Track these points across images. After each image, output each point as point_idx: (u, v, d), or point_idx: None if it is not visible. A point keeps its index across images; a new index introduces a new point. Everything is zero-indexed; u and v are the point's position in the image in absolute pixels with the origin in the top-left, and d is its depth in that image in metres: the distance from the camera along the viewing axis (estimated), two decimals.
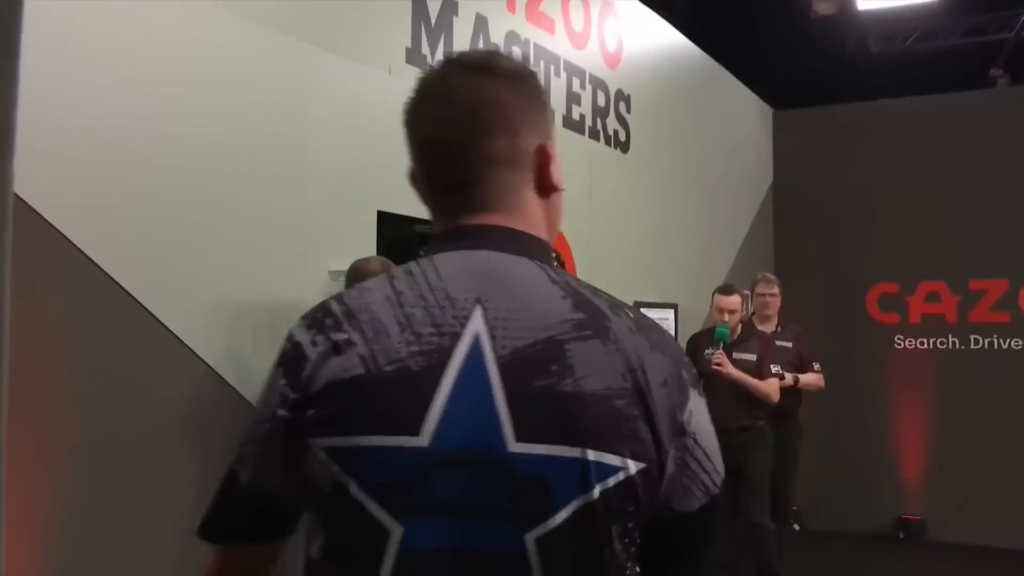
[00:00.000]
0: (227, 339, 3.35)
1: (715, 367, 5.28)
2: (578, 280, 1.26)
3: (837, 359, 7.27)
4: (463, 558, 1.12)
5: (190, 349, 3.22)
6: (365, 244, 3.96)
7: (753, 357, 5.49)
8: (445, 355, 1.15)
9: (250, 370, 3.39)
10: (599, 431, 1.13)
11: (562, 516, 1.12)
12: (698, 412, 1.22)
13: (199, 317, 3.26)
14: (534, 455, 1.12)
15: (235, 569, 1.29)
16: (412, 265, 1.25)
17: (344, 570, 1.16)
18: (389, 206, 4.10)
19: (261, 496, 1.25)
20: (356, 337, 1.18)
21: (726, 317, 5.42)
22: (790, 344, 6.10)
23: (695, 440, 1.20)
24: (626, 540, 1.17)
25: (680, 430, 1.19)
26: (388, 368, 1.15)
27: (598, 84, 5.95)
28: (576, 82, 5.71)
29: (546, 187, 1.29)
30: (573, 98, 5.67)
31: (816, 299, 8.39)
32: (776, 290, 6.12)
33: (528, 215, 1.28)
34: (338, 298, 1.26)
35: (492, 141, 1.24)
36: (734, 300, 5.48)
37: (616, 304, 1.24)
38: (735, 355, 5.45)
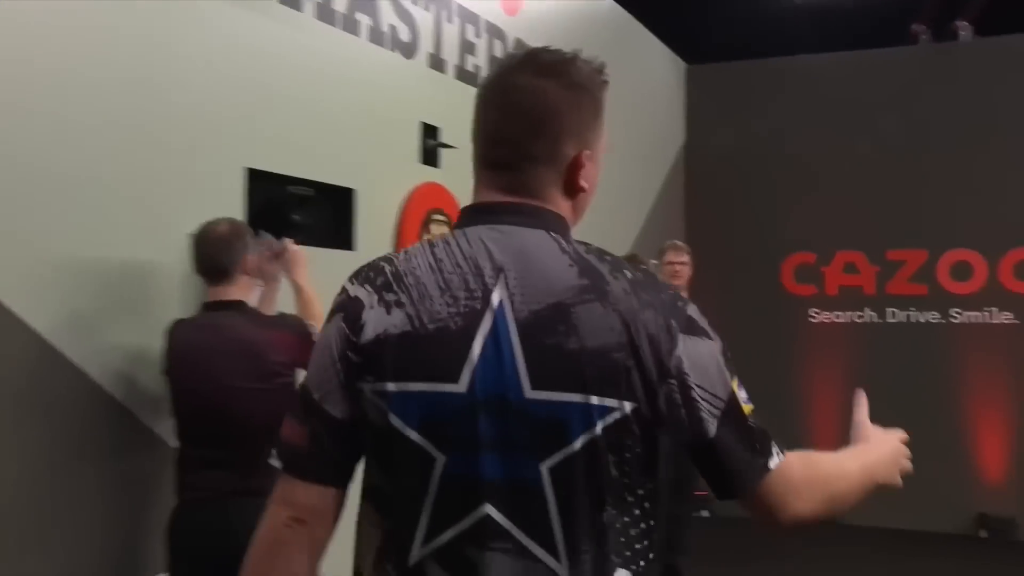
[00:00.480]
0: (64, 306, 3.19)
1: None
2: (588, 246, 1.63)
3: (749, 333, 7.37)
4: (493, 484, 1.51)
5: (18, 317, 3.05)
6: (230, 205, 3.83)
7: None
8: (477, 317, 1.54)
9: (92, 342, 3.26)
10: (599, 380, 1.51)
11: (571, 449, 1.51)
12: (690, 353, 1.56)
13: (29, 280, 3.08)
14: (546, 400, 1.51)
15: (325, 509, 1.62)
16: (449, 235, 1.64)
17: (402, 489, 1.56)
18: (260, 163, 4.01)
19: (351, 432, 1.60)
20: (404, 298, 1.57)
21: None
22: None
23: (686, 380, 1.55)
24: (626, 467, 1.54)
25: (667, 374, 1.54)
26: (431, 326, 1.55)
27: (495, 33, 5.89)
28: (471, 30, 5.64)
29: (573, 188, 1.66)
30: (467, 47, 5.60)
31: (728, 269, 8.52)
32: (686, 259, 6.14)
33: (551, 203, 1.64)
34: (387, 260, 1.65)
35: (536, 141, 1.61)
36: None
37: (617, 266, 1.61)
38: None
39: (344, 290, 1.65)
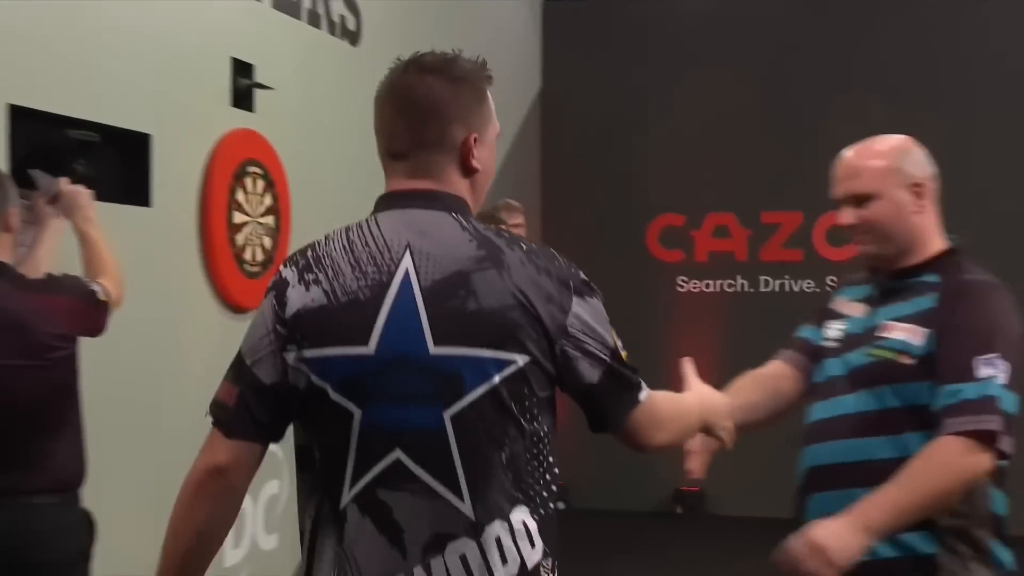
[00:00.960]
0: None
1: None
2: (487, 226, 2.02)
3: (611, 303, 7.18)
4: (403, 432, 1.90)
5: None
6: None
7: None
8: (385, 287, 1.93)
9: None
10: (496, 336, 1.89)
11: (471, 397, 1.89)
12: (583, 312, 1.97)
13: None
14: (448, 355, 1.89)
15: (242, 462, 1.99)
16: (362, 221, 2.03)
17: (326, 445, 1.96)
18: (27, 98, 3.76)
19: (276, 396, 1.97)
20: (321, 276, 1.96)
21: None
22: None
23: (581, 332, 1.95)
24: (527, 415, 1.92)
25: (564, 331, 1.94)
26: (344, 299, 1.94)
27: None
28: None
29: (468, 169, 2.05)
30: None
31: (588, 232, 8.49)
32: (521, 220, 6.01)
33: (450, 185, 2.03)
34: (312, 245, 2.05)
35: (426, 129, 2.01)
36: None
37: (513, 240, 2.01)
38: None
39: (278, 271, 2.05)
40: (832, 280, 8.06)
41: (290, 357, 1.95)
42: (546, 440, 1.98)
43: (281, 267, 2.05)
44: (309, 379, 1.94)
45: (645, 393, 2.06)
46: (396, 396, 1.91)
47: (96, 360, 3.36)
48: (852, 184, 2.75)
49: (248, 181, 4.97)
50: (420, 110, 2.00)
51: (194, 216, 4.69)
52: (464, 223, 1.98)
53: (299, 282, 1.97)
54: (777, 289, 8.36)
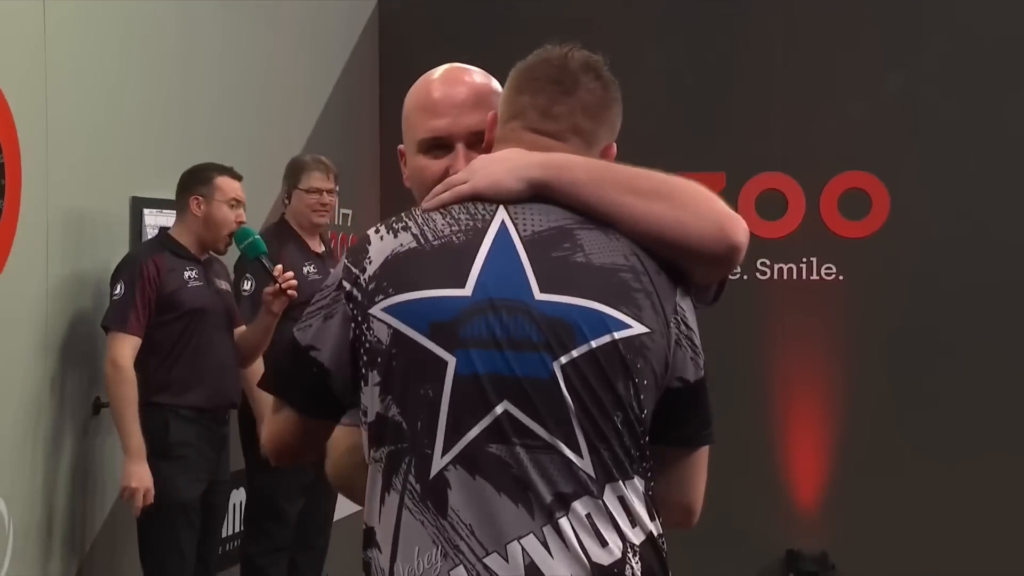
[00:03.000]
0: None
1: (290, 293, 4.99)
2: None
3: None
4: (505, 380, 1.92)
5: None
6: None
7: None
8: (480, 234, 1.99)
9: None
10: (607, 292, 1.94)
11: (584, 349, 1.91)
12: (686, 307, 2.03)
13: None
14: (555, 302, 1.93)
15: (293, 430, 2.15)
16: None
17: (412, 404, 1.96)
18: None
19: (315, 364, 2.06)
20: (410, 223, 2.04)
21: (242, 215, 5.11)
22: None
23: (688, 324, 2.01)
24: (632, 390, 1.94)
25: (676, 309, 1.99)
26: (436, 242, 2.01)
27: None
28: None
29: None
30: None
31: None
32: (334, 184, 5.77)
33: None
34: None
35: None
36: (237, 186, 5.16)
37: None
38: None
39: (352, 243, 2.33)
40: (763, 264, 7.64)
41: (375, 310, 1.98)
42: (648, 454, 1.99)
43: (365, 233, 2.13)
44: (395, 328, 1.96)
45: (709, 439, 2.10)
46: (496, 342, 1.92)
47: None
48: None
49: None
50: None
51: None
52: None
53: (387, 232, 2.03)
54: None
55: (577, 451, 1.90)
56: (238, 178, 5.09)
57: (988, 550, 7.23)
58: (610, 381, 1.92)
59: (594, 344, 1.90)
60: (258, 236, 5.02)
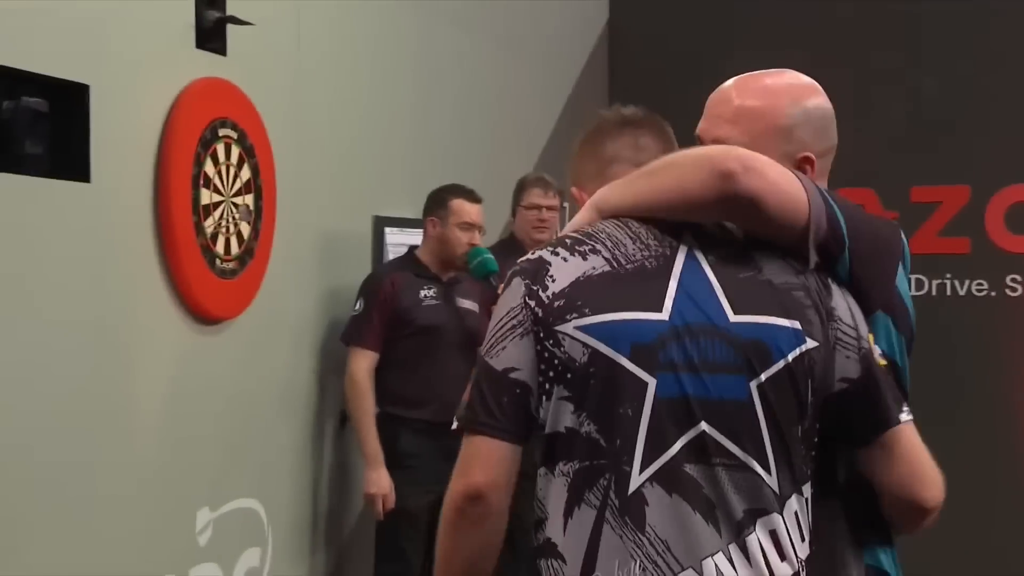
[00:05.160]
0: None
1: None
2: None
3: None
4: (707, 403, 2.09)
5: None
6: None
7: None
8: (670, 260, 2.16)
9: None
10: (790, 310, 2.13)
11: (775, 368, 2.10)
12: (839, 301, 2.22)
13: None
14: (749, 323, 2.11)
15: (508, 464, 2.17)
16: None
17: (610, 422, 2.10)
18: None
19: (519, 384, 2.15)
20: (599, 247, 2.18)
21: (475, 237, 5.33)
22: None
23: (840, 320, 2.20)
24: (810, 398, 2.14)
25: (830, 315, 2.19)
26: (629, 266, 2.17)
27: None
28: None
29: None
30: None
31: None
32: (556, 201, 5.95)
33: None
34: (565, 235, 2.29)
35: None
36: (472, 209, 5.40)
37: None
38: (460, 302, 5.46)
39: (517, 264, 2.25)
40: (1013, 280, 7.40)
41: (567, 328, 2.11)
42: (813, 457, 2.21)
43: (528, 256, 2.26)
44: (593, 348, 2.09)
45: (908, 416, 2.20)
46: (695, 365, 2.08)
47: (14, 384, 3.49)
48: None
49: (219, 148, 4.54)
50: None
51: (148, 195, 4.24)
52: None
53: (572, 255, 2.18)
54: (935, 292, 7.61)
55: (767, 468, 2.09)
56: (477, 201, 5.36)
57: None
58: (795, 395, 2.11)
59: (785, 361, 2.10)
60: (489, 256, 5.17)
